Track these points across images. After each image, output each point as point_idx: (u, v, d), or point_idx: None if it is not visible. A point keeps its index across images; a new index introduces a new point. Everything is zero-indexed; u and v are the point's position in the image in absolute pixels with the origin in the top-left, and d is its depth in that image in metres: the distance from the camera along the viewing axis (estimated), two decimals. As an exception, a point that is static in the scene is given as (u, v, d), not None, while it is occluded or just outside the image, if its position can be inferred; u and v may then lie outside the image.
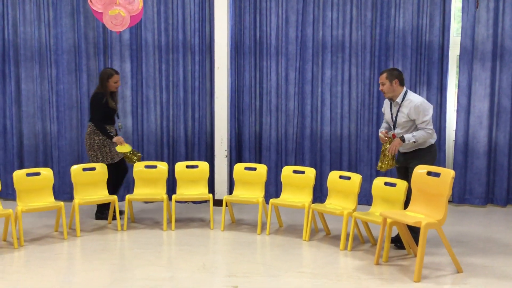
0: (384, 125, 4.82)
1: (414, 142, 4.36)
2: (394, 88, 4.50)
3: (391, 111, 4.62)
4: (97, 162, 5.43)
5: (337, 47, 6.40)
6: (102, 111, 5.42)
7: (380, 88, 4.57)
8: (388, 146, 4.54)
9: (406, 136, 4.39)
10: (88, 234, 5.07)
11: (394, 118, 4.58)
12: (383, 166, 4.61)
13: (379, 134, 4.67)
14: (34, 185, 4.96)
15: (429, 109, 4.43)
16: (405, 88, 4.55)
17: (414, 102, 4.41)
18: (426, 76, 6.26)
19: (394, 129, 4.60)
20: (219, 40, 6.29)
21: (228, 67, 6.40)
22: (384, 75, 4.53)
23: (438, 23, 6.16)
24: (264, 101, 6.57)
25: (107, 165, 5.45)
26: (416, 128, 4.44)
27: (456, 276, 3.87)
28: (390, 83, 4.49)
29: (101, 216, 5.61)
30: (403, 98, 4.49)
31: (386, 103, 4.72)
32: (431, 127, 4.41)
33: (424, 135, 4.37)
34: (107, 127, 5.45)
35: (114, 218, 5.45)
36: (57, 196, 6.24)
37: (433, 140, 4.50)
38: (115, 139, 5.40)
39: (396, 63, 6.27)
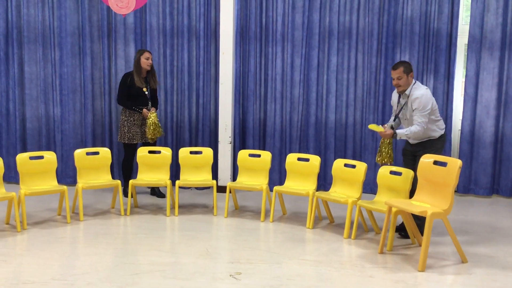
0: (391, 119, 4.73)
1: (407, 138, 4.36)
2: (409, 82, 4.40)
3: (399, 103, 4.54)
4: (119, 140, 5.86)
5: (343, 34, 6.32)
6: (126, 90, 5.71)
7: (395, 82, 4.40)
8: (386, 141, 4.53)
9: (399, 132, 4.36)
10: (91, 218, 5.06)
11: (398, 110, 4.52)
12: (382, 160, 4.58)
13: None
14: (37, 169, 4.94)
15: (427, 102, 4.30)
16: (413, 79, 4.48)
17: (415, 94, 4.33)
18: (433, 64, 6.18)
19: (394, 120, 4.60)
20: (225, 25, 6.22)
21: (233, 53, 6.33)
22: (401, 68, 4.35)
23: (446, 10, 6.08)
24: (269, 88, 6.52)
25: (126, 145, 5.78)
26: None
27: (461, 266, 3.85)
28: (406, 76, 4.38)
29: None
30: (411, 89, 4.41)
31: (395, 95, 4.65)
32: (425, 119, 4.29)
33: (417, 130, 4.29)
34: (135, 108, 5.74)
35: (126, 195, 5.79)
36: (60, 180, 6.24)
37: (442, 130, 4.47)
38: (143, 111, 5.69)
39: (403, 50, 6.19)
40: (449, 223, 3.87)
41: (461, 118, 6.33)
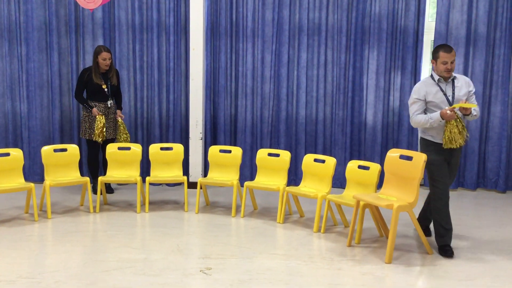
0: (420, 115, 4.19)
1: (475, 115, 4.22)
2: None
3: (443, 91, 4.18)
4: (81, 135, 5.84)
5: (313, 30, 6.38)
6: (83, 85, 5.73)
7: (449, 66, 4.07)
8: (455, 123, 4.05)
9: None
10: (59, 216, 4.99)
11: (452, 95, 4.18)
12: (461, 141, 4.09)
13: (445, 111, 3.97)
14: (3, 166, 4.84)
15: None
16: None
17: (465, 77, 4.26)
18: (400, 61, 6.30)
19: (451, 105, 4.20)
20: (195, 20, 6.20)
21: (204, 49, 6.32)
22: (454, 52, 4.14)
23: (413, 8, 6.20)
24: (240, 84, 6.54)
25: (89, 141, 5.76)
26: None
27: (426, 257, 3.95)
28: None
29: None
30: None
31: (431, 86, 4.21)
32: None
33: (478, 109, 4.23)
34: (94, 103, 5.71)
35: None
36: (27, 177, 6.13)
37: None
38: (93, 110, 5.67)
39: (371, 47, 6.29)
40: (415, 216, 3.97)
41: (427, 113, 6.46)
